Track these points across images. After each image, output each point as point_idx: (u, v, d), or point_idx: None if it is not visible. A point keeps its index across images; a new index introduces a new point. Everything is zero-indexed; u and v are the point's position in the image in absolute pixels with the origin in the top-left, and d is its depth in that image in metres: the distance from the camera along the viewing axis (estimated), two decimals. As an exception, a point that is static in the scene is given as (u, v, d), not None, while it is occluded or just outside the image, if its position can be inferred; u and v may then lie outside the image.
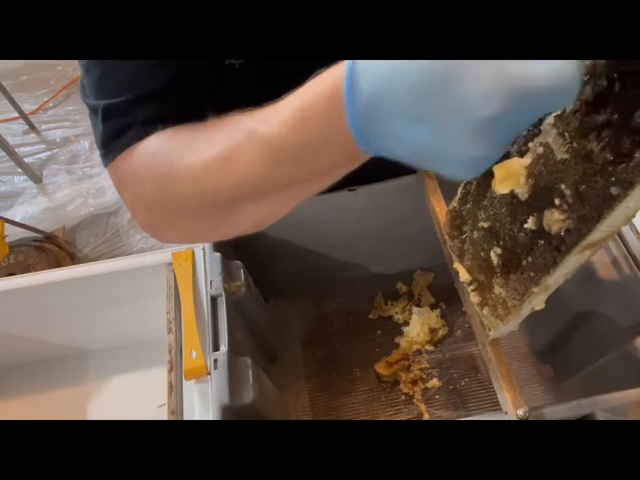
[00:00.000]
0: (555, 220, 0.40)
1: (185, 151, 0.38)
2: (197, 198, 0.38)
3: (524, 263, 0.45)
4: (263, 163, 0.34)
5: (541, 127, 0.41)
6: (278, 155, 0.33)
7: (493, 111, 0.25)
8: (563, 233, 0.40)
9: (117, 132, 0.41)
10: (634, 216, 0.36)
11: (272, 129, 0.32)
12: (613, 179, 0.34)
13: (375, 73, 0.28)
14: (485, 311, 0.51)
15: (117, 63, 0.42)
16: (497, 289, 0.49)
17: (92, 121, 0.44)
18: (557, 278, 0.42)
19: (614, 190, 0.34)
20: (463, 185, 0.54)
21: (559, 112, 0.38)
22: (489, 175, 0.49)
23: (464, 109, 0.26)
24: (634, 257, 0.64)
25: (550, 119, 0.40)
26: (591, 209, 0.37)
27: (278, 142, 0.33)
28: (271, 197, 0.37)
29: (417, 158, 0.30)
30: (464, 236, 0.55)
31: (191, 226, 0.42)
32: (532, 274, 0.44)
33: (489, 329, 0.52)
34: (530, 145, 0.42)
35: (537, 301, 0.45)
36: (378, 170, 0.75)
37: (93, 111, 0.43)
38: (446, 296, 0.88)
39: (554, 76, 0.25)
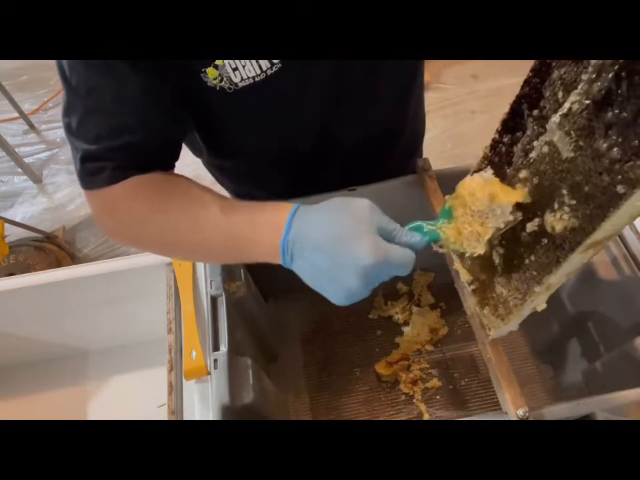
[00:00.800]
0: (557, 219, 0.40)
1: (160, 215, 0.49)
2: (158, 243, 0.52)
3: (526, 261, 0.45)
4: (217, 251, 0.49)
5: (546, 126, 0.41)
6: (227, 252, 0.48)
7: (367, 264, 0.39)
8: (567, 232, 0.40)
9: (92, 172, 0.50)
10: (639, 215, 0.36)
11: (226, 235, 0.46)
12: (620, 177, 0.34)
13: (299, 234, 0.42)
14: (486, 310, 0.51)
15: (96, 108, 0.48)
16: (499, 289, 0.49)
17: (72, 153, 0.52)
18: (559, 277, 0.42)
19: (620, 188, 0.34)
20: None
21: (565, 110, 0.38)
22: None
23: (352, 258, 0.39)
24: (634, 257, 0.64)
25: (556, 118, 0.40)
26: (596, 207, 0.37)
27: (230, 245, 0.47)
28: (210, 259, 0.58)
29: (313, 278, 0.42)
30: None
31: (139, 247, 0.54)
32: (534, 273, 0.44)
33: (489, 328, 0.52)
34: (535, 143, 0.42)
35: (539, 301, 0.45)
36: (378, 170, 0.75)
37: (74, 148, 0.51)
38: (446, 296, 0.88)
39: (402, 258, 0.41)
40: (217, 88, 0.51)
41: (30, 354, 0.87)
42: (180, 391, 0.62)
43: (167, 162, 0.54)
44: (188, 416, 0.61)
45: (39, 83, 2.21)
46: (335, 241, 0.39)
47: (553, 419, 0.52)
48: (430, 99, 2.11)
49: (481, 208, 0.44)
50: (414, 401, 0.79)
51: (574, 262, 0.40)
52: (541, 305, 0.46)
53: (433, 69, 2.15)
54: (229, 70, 0.49)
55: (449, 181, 0.68)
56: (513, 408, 0.50)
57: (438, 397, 0.79)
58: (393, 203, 0.73)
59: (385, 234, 0.42)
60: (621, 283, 0.64)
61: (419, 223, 0.46)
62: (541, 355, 0.83)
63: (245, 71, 0.50)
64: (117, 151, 0.50)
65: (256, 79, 0.51)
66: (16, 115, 2.03)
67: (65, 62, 0.47)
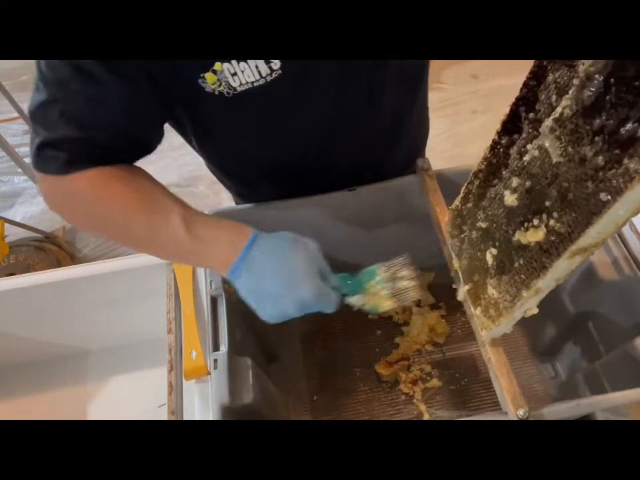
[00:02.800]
0: (531, 232, 0.41)
1: (123, 211, 0.50)
2: (113, 238, 0.54)
3: (516, 265, 0.45)
4: (170, 256, 0.57)
5: (540, 129, 0.41)
6: (179, 259, 0.57)
7: (308, 301, 0.49)
8: (554, 238, 0.39)
9: (47, 159, 0.50)
10: (624, 224, 0.36)
11: (183, 248, 0.50)
12: (603, 184, 0.34)
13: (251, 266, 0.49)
14: (478, 311, 0.51)
15: (63, 98, 0.47)
16: (490, 290, 0.49)
17: (31, 131, 0.51)
18: (547, 282, 0.42)
19: (603, 196, 0.34)
20: (465, 184, 0.54)
21: (557, 115, 0.38)
22: (489, 175, 0.49)
23: (298, 293, 0.48)
24: (634, 258, 0.64)
25: (548, 122, 0.39)
26: (581, 214, 0.36)
27: (188, 254, 0.51)
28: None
29: (255, 296, 0.49)
30: (463, 235, 0.55)
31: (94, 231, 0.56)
32: (523, 277, 0.44)
33: (482, 329, 0.52)
34: (529, 146, 0.42)
35: (529, 305, 0.45)
36: (378, 170, 0.75)
37: (34, 130, 0.50)
38: (446, 296, 0.88)
39: (332, 301, 0.51)
40: (216, 92, 0.51)
41: (30, 354, 0.87)
42: (180, 391, 0.62)
43: (129, 160, 0.54)
44: (188, 416, 0.61)
45: (39, 83, 2.21)
46: (288, 276, 0.48)
47: (553, 419, 0.52)
48: (430, 98, 2.10)
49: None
50: (414, 400, 0.79)
51: (561, 268, 0.40)
52: (532, 310, 0.46)
53: (433, 69, 2.13)
54: (228, 75, 0.49)
55: (449, 181, 0.68)
56: (513, 408, 0.50)
57: (438, 397, 0.80)
58: (393, 203, 0.74)
59: (322, 275, 0.50)
60: (621, 283, 0.64)
61: (345, 275, 0.55)
62: (541, 355, 0.83)
63: (244, 76, 0.49)
64: (79, 142, 0.49)
65: (255, 84, 0.50)
66: (16, 115, 2.02)
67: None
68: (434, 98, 2.11)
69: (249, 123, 0.58)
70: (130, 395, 0.84)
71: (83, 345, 0.88)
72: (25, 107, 2.15)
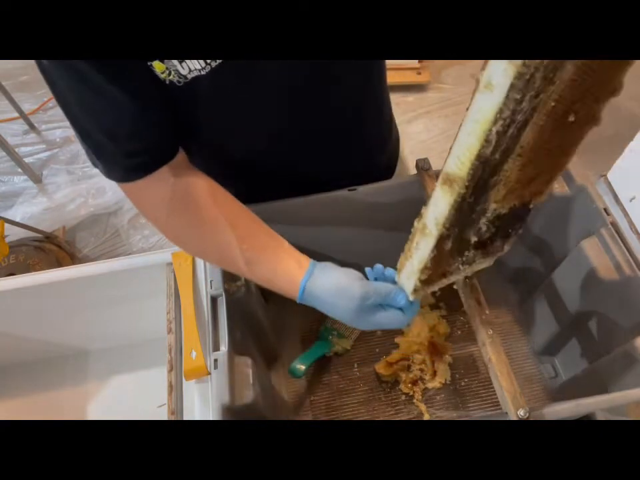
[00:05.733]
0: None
1: (191, 233, 0.56)
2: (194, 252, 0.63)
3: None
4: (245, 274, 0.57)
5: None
6: (253, 278, 0.58)
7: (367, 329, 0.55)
8: None
9: (136, 167, 0.51)
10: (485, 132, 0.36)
11: (256, 277, 0.56)
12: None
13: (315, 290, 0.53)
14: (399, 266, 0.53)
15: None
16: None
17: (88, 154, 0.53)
18: (430, 219, 0.45)
19: None
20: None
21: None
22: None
23: (356, 325, 0.54)
24: (634, 258, 0.64)
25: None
26: None
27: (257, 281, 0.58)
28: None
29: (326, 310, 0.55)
30: None
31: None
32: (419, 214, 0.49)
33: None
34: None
35: (420, 249, 0.47)
36: (378, 170, 0.75)
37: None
38: (446, 296, 0.88)
39: (389, 324, 0.53)
40: (167, 82, 0.50)
41: (30, 354, 0.87)
42: (180, 391, 0.62)
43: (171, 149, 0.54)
44: (188, 416, 0.61)
45: (39, 83, 2.19)
46: (342, 318, 0.54)
47: (553, 419, 0.52)
48: (430, 99, 2.11)
49: None
50: (414, 401, 0.79)
51: (439, 202, 0.43)
52: (423, 259, 0.47)
53: (433, 69, 2.15)
54: (176, 62, 0.48)
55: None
56: (513, 408, 0.50)
57: (438, 397, 0.80)
58: (393, 203, 0.74)
59: (378, 306, 0.53)
60: (621, 283, 0.64)
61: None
62: (540, 355, 0.83)
63: (191, 63, 0.48)
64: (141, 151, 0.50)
65: (201, 72, 0.49)
66: (16, 115, 2.02)
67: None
68: (434, 98, 2.11)
69: (202, 112, 0.56)
70: (130, 395, 0.84)
71: (82, 345, 0.88)
72: (25, 107, 2.16)
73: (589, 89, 0.36)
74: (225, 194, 0.56)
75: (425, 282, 0.50)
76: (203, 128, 0.60)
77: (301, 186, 0.70)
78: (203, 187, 0.54)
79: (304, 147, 0.66)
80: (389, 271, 0.55)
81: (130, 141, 0.50)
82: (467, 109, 0.37)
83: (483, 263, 0.53)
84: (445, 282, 0.52)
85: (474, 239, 0.48)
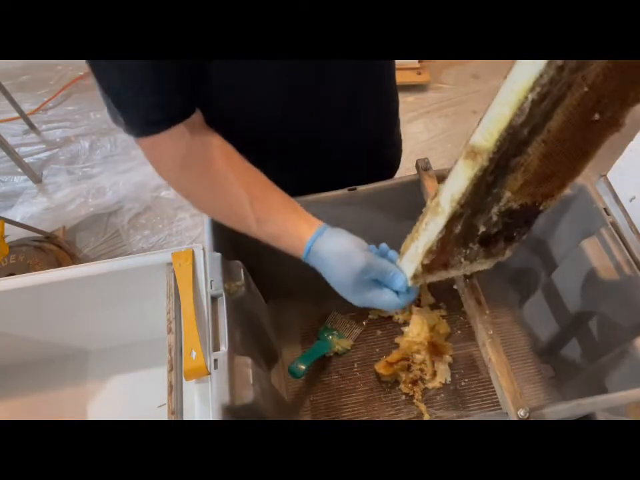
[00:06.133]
0: None
1: (203, 188, 0.57)
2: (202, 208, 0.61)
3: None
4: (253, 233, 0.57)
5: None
6: (262, 237, 0.57)
7: (356, 304, 0.54)
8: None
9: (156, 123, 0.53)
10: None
11: (265, 234, 0.56)
12: None
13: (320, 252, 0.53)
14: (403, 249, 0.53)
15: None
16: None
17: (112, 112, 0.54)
18: (445, 198, 0.45)
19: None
20: None
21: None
22: None
23: (346, 296, 0.54)
24: (634, 258, 0.64)
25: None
26: None
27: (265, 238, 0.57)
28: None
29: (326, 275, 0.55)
30: None
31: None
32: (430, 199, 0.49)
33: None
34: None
35: (431, 226, 0.47)
36: (378, 169, 0.75)
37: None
38: (446, 296, 0.88)
39: (380, 305, 0.53)
40: None
41: (30, 354, 0.87)
42: (180, 391, 0.62)
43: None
44: (188, 416, 0.61)
45: (39, 83, 2.21)
46: (338, 287, 0.54)
47: (553, 419, 0.52)
48: (430, 99, 2.11)
49: None
50: (414, 401, 0.79)
51: (459, 176, 0.43)
52: (434, 232, 0.47)
53: (433, 69, 2.15)
54: None
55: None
56: (513, 408, 0.50)
57: (438, 397, 0.80)
58: (393, 203, 0.74)
59: (374, 283, 0.53)
60: (621, 283, 0.64)
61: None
62: (541, 355, 0.83)
63: None
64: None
65: None
66: (16, 114, 2.02)
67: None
68: (434, 98, 2.11)
69: (218, 80, 0.58)
70: (130, 395, 0.84)
71: (82, 345, 0.88)
72: (25, 107, 2.16)
73: (618, 88, 0.37)
74: (239, 156, 0.57)
75: (426, 268, 0.49)
76: (214, 94, 0.60)
77: (312, 158, 0.71)
78: (218, 146, 0.56)
79: (314, 115, 0.67)
80: (392, 252, 0.55)
81: (151, 95, 0.51)
82: (504, 79, 0.37)
83: (484, 264, 0.53)
84: (444, 275, 0.52)
85: (482, 228, 0.48)
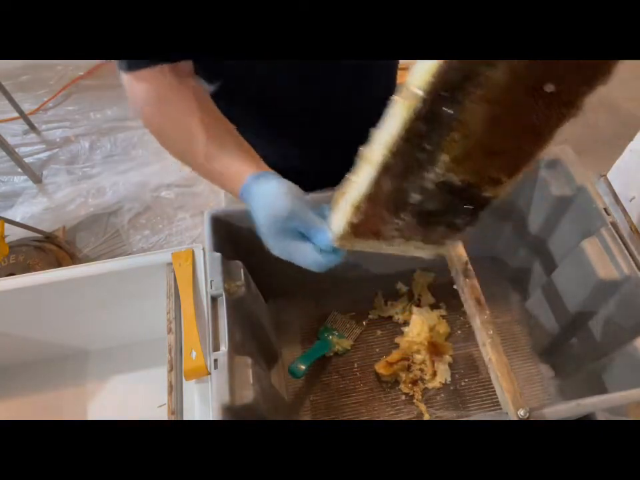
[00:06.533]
0: None
1: (171, 124, 0.59)
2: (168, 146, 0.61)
3: None
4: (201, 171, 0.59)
5: None
6: (208, 176, 0.59)
7: (276, 254, 0.51)
8: None
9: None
10: None
11: (209, 170, 0.57)
12: None
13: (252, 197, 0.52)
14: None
15: None
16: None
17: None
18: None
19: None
20: None
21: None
22: None
23: (272, 217, 0.50)
24: (634, 257, 0.64)
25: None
26: None
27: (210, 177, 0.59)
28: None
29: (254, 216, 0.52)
30: None
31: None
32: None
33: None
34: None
35: (358, 179, 0.43)
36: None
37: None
38: (446, 296, 0.88)
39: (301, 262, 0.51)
40: None
41: (30, 354, 0.87)
42: (180, 391, 0.62)
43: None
44: (188, 416, 0.61)
45: (39, 83, 2.21)
46: (261, 231, 0.51)
47: (553, 419, 0.52)
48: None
49: None
50: (414, 401, 0.79)
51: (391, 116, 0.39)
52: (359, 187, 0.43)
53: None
54: None
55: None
56: (513, 408, 0.50)
57: (438, 397, 0.80)
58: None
59: (300, 235, 0.51)
60: (621, 283, 0.64)
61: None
62: (540, 355, 0.83)
63: None
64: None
65: None
66: (16, 114, 2.03)
67: None
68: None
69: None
70: (130, 395, 0.84)
71: (83, 344, 0.88)
72: (25, 107, 2.16)
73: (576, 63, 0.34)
74: (213, 105, 0.59)
75: (355, 229, 0.45)
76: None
77: (318, 128, 0.73)
78: (195, 91, 0.58)
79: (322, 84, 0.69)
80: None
81: None
82: None
83: (421, 251, 0.50)
84: (376, 245, 0.48)
85: (417, 196, 0.43)
